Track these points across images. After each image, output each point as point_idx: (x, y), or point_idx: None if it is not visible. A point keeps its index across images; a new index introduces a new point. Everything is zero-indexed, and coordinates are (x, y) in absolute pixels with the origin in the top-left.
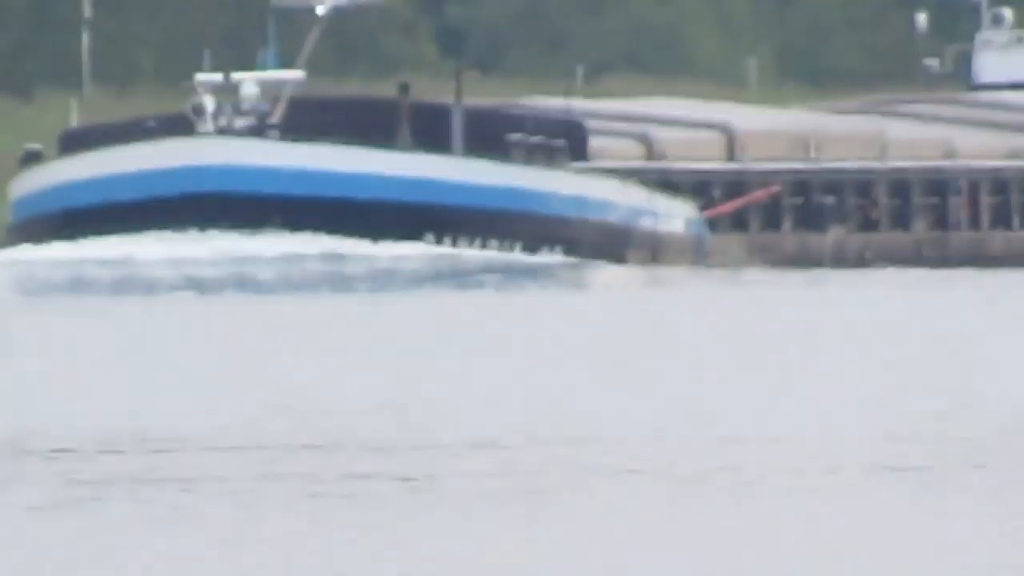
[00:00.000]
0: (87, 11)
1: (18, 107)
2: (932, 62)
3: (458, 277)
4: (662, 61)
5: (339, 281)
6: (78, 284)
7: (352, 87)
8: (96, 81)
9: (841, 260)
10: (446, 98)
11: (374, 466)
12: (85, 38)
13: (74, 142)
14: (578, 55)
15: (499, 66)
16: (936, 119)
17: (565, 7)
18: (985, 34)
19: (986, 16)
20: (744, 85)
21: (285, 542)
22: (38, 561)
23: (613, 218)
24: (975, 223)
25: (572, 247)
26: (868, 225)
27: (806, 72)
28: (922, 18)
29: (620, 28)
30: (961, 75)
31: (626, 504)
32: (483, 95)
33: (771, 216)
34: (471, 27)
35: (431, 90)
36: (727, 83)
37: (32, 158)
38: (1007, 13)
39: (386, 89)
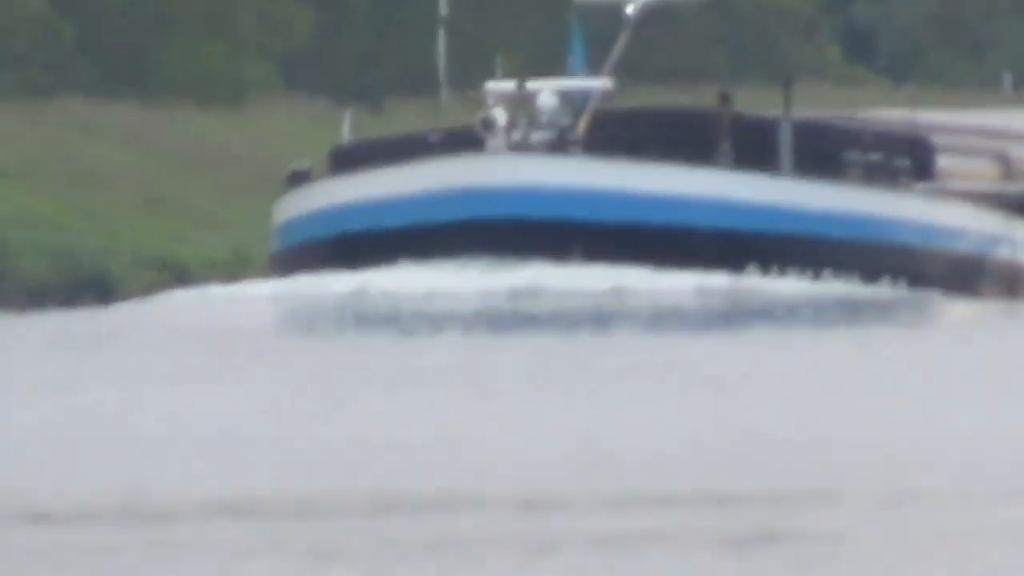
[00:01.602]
0: (443, 9)
1: (367, 118)
2: None
3: (786, 311)
4: None
5: (665, 318)
6: (353, 318)
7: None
8: (453, 87)
9: None
10: (850, 109)
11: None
12: (441, 39)
13: (347, 159)
14: (1004, 60)
15: (912, 73)
16: None
17: (989, 7)
18: None
19: None
20: None
21: None
22: None
23: (964, 247)
24: None
25: (917, 279)
26: None
27: None
28: None
29: None
30: None
31: None
32: (894, 105)
33: None
34: (881, 29)
35: (832, 98)
36: None
37: (300, 178)
38: None
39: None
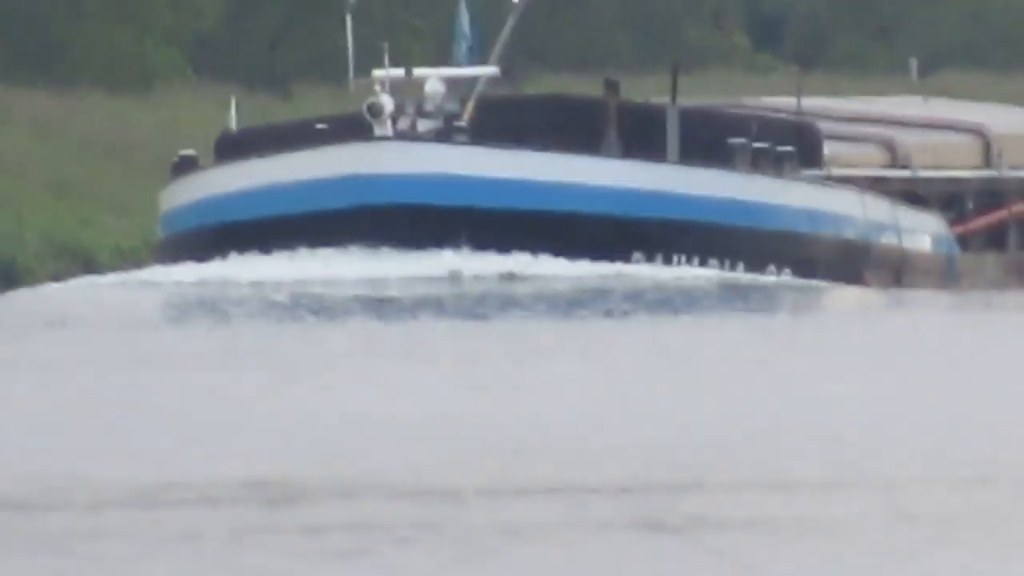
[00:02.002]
0: None
1: (276, 105)
2: None
3: (671, 297)
4: (1002, 54)
5: (540, 303)
6: (234, 306)
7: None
8: (362, 73)
9: None
10: (766, 95)
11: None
12: (349, 25)
13: (233, 147)
14: (911, 46)
15: (819, 60)
16: None
17: None
18: None
19: None
20: None
21: None
22: None
23: (850, 234)
24: None
25: (802, 266)
26: None
27: None
28: None
29: (957, 16)
30: None
31: None
32: (805, 92)
33: None
34: (788, 15)
35: (743, 86)
36: None
37: (185, 165)
38: None
39: (693, 85)
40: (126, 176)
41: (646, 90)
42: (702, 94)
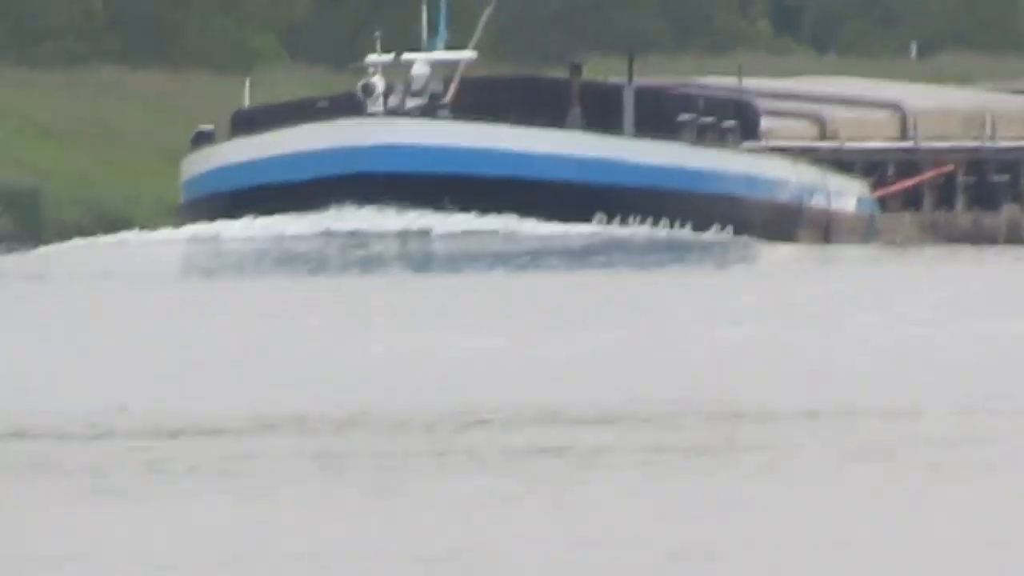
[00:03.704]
0: None
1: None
2: None
3: (628, 254)
4: (990, 37)
5: (506, 257)
6: (248, 262)
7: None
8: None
9: (1015, 238)
10: (774, 76)
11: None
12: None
13: (246, 123)
14: (912, 31)
15: (833, 43)
16: None
17: None
18: None
19: None
20: None
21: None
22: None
23: (784, 197)
24: None
25: (743, 226)
26: None
27: None
28: None
29: (951, 4)
30: None
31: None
32: (817, 72)
33: (944, 195)
34: (806, 3)
35: (766, 67)
36: None
37: (203, 139)
38: None
39: (721, 67)
40: None
41: (678, 70)
42: (730, 73)
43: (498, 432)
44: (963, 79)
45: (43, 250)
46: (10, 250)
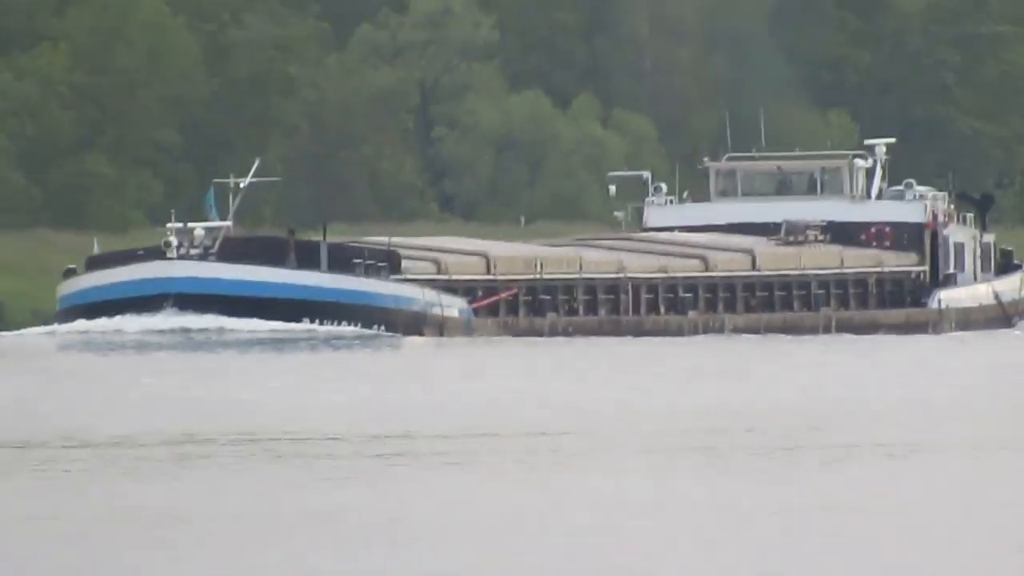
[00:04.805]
0: None
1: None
2: (619, 214)
3: (322, 343)
4: (568, 212)
5: (253, 342)
6: (91, 345)
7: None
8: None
9: (555, 333)
10: (339, 238)
11: None
12: None
13: (95, 263)
14: (521, 209)
15: (475, 214)
16: (617, 248)
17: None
18: (651, 198)
19: (651, 187)
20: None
21: None
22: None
23: (416, 308)
24: (637, 311)
25: (391, 327)
26: (571, 312)
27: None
28: (612, 188)
29: (551, 190)
30: (636, 222)
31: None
32: (451, 234)
33: (512, 307)
34: (459, 190)
35: (427, 231)
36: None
37: (70, 272)
38: (663, 186)
39: (401, 231)
40: None
41: (366, 232)
42: (409, 235)
43: None
44: (542, 236)
45: None
46: None
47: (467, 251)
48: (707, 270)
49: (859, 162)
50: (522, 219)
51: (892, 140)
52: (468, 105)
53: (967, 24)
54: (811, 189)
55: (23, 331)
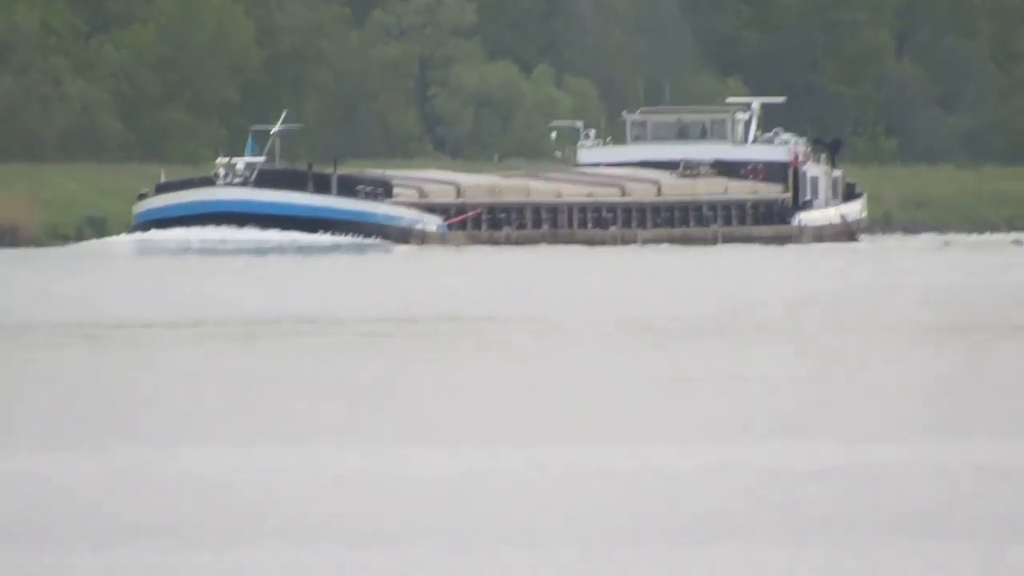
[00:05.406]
0: None
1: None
2: (559, 153)
3: (333, 249)
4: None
5: (282, 248)
6: (170, 250)
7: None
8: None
9: (509, 243)
10: (343, 168)
11: None
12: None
13: (162, 188)
14: (494, 150)
15: (461, 153)
16: (556, 179)
17: None
18: (583, 141)
19: (583, 133)
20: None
21: None
22: None
23: (403, 224)
24: (571, 226)
25: (385, 237)
26: (521, 227)
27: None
28: (554, 134)
29: (529, 137)
30: (572, 160)
31: None
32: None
33: (477, 223)
34: (453, 130)
35: (426, 166)
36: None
37: (143, 196)
38: (592, 132)
39: (403, 165)
40: None
41: (375, 166)
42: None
43: None
44: (510, 170)
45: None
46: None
47: (443, 181)
48: (624, 196)
49: (739, 115)
50: (496, 157)
51: (781, 99)
52: (455, 72)
53: (833, 12)
54: (703, 135)
55: (111, 238)
